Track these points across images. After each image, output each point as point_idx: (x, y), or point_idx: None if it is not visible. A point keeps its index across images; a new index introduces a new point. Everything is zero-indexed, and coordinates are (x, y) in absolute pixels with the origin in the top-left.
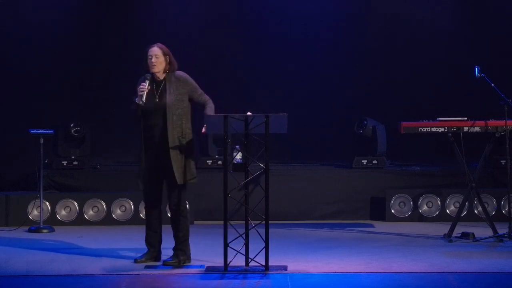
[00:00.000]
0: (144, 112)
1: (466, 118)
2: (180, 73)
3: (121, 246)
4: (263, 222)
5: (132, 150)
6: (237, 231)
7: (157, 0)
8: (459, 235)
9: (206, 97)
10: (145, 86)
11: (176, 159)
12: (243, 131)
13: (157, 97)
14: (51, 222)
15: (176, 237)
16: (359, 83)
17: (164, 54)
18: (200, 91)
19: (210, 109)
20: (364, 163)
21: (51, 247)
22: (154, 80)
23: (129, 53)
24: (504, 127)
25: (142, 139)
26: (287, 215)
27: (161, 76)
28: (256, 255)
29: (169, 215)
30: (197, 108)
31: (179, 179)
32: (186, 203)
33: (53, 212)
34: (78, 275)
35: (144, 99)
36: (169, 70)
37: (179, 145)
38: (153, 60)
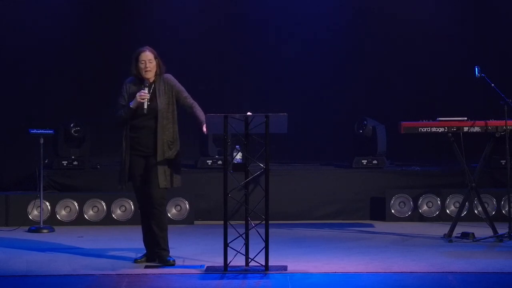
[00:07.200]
0: (133, 113)
1: (466, 118)
2: (167, 75)
3: (121, 246)
4: (263, 222)
5: None
6: (237, 231)
7: (158, 0)
8: (459, 235)
9: (191, 100)
10: (146, 93)
11: (162, 162)
12: (243, 131)
13: (148, 100)
14: (51, 222)
15: (160, 237)
16: (359, 83)
17: (155, 58)
18: (186, 93)
19: (200, 111)
20: (364, 163)
21: (51, 247)
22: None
23: (129, 53)
24: (504, 127)
25: (128, 139)
26: (287, 215)
27: (151, 79)
28: (256, 255)
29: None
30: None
31: (161, 182)
32: (166, 203)
33: (53, 212)
34: (78, 275)
35: (146, 106)
36: (158, 73)
37: (167, 149)
38: (147, 65)
